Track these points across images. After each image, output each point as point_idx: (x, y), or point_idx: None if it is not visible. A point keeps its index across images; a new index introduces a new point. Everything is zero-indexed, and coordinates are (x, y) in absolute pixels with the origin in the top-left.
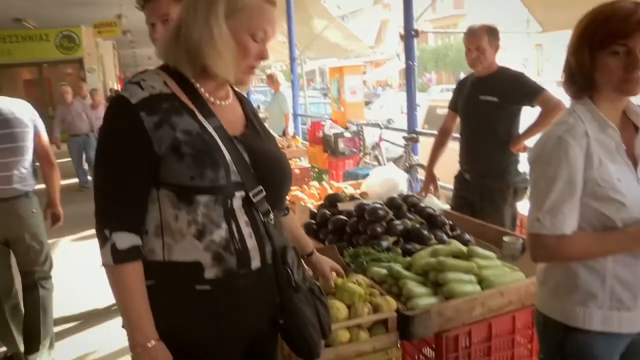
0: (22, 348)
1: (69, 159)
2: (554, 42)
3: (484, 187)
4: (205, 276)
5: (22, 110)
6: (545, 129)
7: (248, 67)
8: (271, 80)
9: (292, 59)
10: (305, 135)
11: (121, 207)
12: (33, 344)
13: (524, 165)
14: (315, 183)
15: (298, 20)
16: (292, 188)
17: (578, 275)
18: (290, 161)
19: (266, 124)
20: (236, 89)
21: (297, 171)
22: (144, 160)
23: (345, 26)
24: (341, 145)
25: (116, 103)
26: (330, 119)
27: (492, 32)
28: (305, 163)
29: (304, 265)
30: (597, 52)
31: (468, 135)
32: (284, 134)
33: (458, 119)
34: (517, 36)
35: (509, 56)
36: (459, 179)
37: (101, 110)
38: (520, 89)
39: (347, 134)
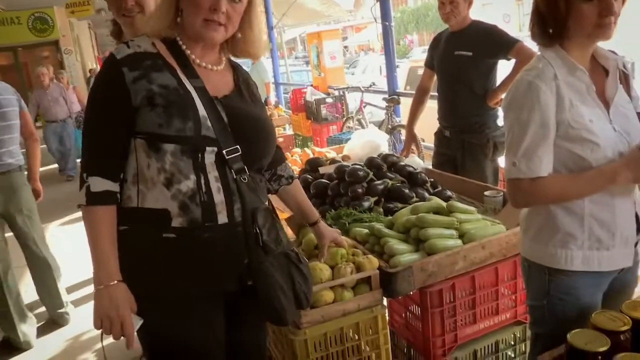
0: (21, 330)
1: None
2: None
3: (464, 142)
4: (172, 224)
5: (9, 91)
6: None
7: (203, 22)
8: None
9: (269, 27)
10: (288, 104)
11: (98, 153)
12: (57, 301)
13: (502, 119)
14: (297, 150)
15: None
16: None
17: (557, 217)
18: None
19: None
20: (231, 58)
21: (280, 139)
22: (121, 111)
23: None
24: (323, 111)
25: (106, 59)
26: (312, 86)
27: None
28: (289, 131)
29: (281, 228)
30: None
31: (445, 92)
32: (266, 103)
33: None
34: None
35: (490, 12)
36: (439, 135)
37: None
38: (494, 42)
39: (329, 100)
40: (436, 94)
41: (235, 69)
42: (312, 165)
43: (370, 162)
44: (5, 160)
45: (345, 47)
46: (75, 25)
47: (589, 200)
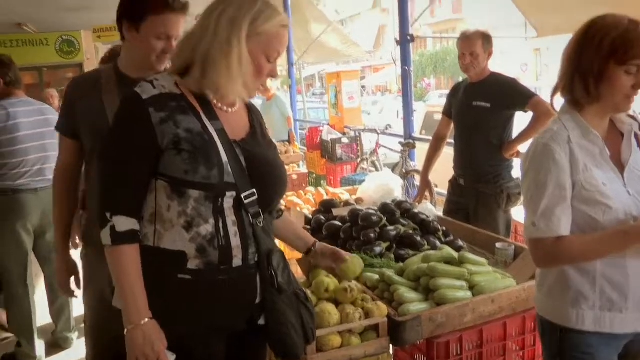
0: (37, 346)
1: None
2: (552, 47)
3: (478, 192)
4: (187, 266)
5: (52, 112)
6: (536, 134)
7: (259, 85)
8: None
9: (290, 64)
10: (304, 141)
11: (123, 192)
12: (67, 323)
13: (517, 171)
14: (311, 189)
15: (295, 25)
16: (289, 193)
17: (569, 276)
18: (288, 167)
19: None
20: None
21: (294, 177)
22: (147, 151)
23: (343, 31)
24: (339, 151)
25: (129, 98)
26: (328, 125)
27: (485, 38)
28: (303, 169)
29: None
30: (611, 65)
31: (462, 141)
32: (290, 136)
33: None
34: (516, 40)
35: (508, 61)
36: (454, 183)
37: None
38: (512, 94)
39: (345, 140)
40: (452, 141)
41: (250, 109)
42: (326, 206)
43: (384, 208)
44: (48, 175)
45: (363, 87)
46: (100, 49)
47: (601, 261)
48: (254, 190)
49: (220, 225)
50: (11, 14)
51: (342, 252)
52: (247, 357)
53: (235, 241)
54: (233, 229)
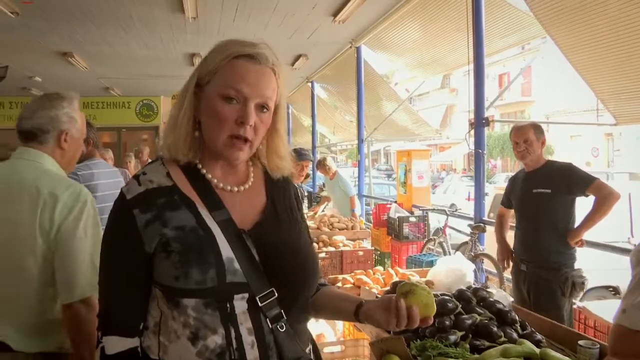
0: None
1: None
2: (624, 132)
3: (540, 278)
4: None
5: (126, 175)
6: (601, 219)
7: (229, 138)
8: (322, 166)
9: (360, 140)
10: (369, 217)
11: (114, 308)
12: None
13: (580, 261)
14: (380, 268)
15: (368, 102)
16: (357, 271)
17: None
18: (354, 242)
19: (331, 206)
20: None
21: (360, 253)
22: (135, 260)
23: (413, 109)
24: (405, 229)
25: (118, 197)
26: (396, 202)
27: (537, 128)
28: (368, 245)
29: None
30: None
31: (524, 228)
32: (352, 215)
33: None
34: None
35: (579, 145)
36: (515, 269)
37: None
38: (571, 178)
39: (412, 219)
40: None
41: (268, 181)
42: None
43: (460, 295)
44: None
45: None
46: None
47: None
48: (273, 289)
49: (233, 335)
50: (101, 80)
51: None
52: None
53: (253, 353)
54: (249, 339)
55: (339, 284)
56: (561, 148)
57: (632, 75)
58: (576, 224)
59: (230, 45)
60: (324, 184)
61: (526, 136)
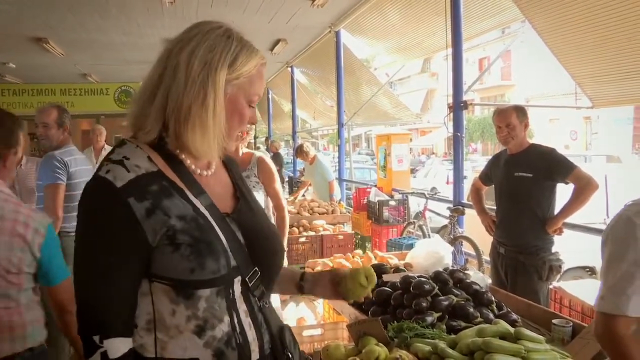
0: None
1: None
2: (602, 116)
3: (518, 262)
4: None
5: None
6: (579, 208)
7: (240, 134)
8: (301, 152)
9: (340, 124)
10: (350, 201)
11: (113, 309)
12: None
13: (558, 245)
14: (359, 251)
15: (347, 87)
16: (336, 255)
17: None
18: (334, 226)
19: (311, 191)
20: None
21: (340, 237)
22: (136, 253)
23: (393, 94)
24: (385, 213)
25: (98, 186)
26: (376, 186)
27: (519, 110)
28: (348, 229)
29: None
30: None
31: (504, 211)
32: (330, 200)
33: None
34: (565, 107)
35: (557, 128)
36: (493, 252)
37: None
38: (554, 164)
39: (392, 202)
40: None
41: (227, 164)
42: (376, 271)
43: (437, 276)
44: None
45: (410, 149)
46: None
47: None
48: (256, 269)
49: (235, 320)
50: (79, 66)
51: (340, 270)
52: None
53: (251, 334)
54: (247, 321)
55: (318, 268)
56: (540, 131)
57: (607, 58)
58: (556, 210)
59: (256, 51)
60: (304, 169)
61: (509, 120)
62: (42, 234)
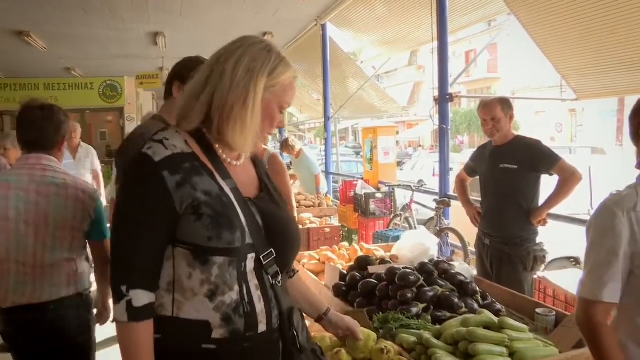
0: None
1: None
2: (587, 108)
3: (503, 253)
4: (212, 335)
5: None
6: (563, 199)
7: (267, 135)
8: (286, 146)
9: (326, 117)
10: (337, 194)
11: (141, 264)
12: None
13: (542, 236)
14: (345, 244)
15: (333, 80)
16: (323, 247)
17: (624, 346)
18: (321, 219)
19: (297, 185)
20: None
21: (327, 230)
22: (165, 219)
23: (380, 87)
24: (372, 205)
25: (140, 160)
26: (362, 179)
27: (504, 103)
28: (335, 222)
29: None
30: None
31: (489, 203)
32: (317, 193)
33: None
34: (551, 100)
35: (543, 120)
36: (478, 243)
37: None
38: (538, 156)
39: (379, 195)
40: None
41: (255, 161)
42: (361, 263)
43: (422, 268)
44: None
45: (397, 142)
46: (141, 96)
47: None
48: (272, 250)
49: (245, 291)
50: (62, 60)
51: (358, 330)
52: None
53: (260, 306)
54: (257, 294)
55: (305, 261)
56: (526, 124)
57: (591, 51)
58: (540, 201)
59: (290, 66)
60: (290, 163)
61: (494, 113)
62: (94, 199)
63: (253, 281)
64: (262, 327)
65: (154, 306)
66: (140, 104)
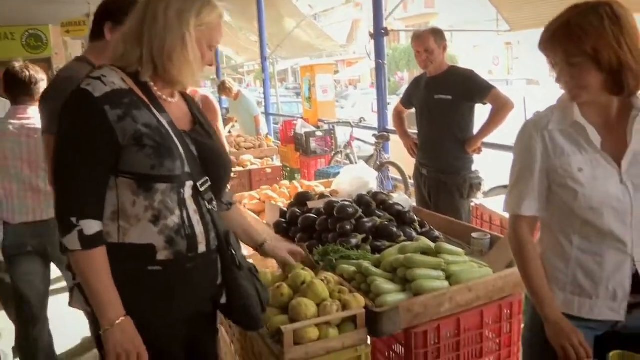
0: None
1: None
2: (522, 41)
3: (440, 182)
4: (157, 257)
5: None
6: (496, 127)
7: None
8: (224, 89)
9: (263, 58)
10: (277, 135)
11: (87, 195)
12: None
13: (477, 164)
14: (286, 182)
15: (269, 20)
16: (264, 187)
17: (546, 256)
18: (262, 160)
19: (237, 128)
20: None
21: (268, 170)
22: (108, 151)
23: (317, 25)
24: (313, 144)
25: (79, 96)
26: (302, 118)
27: (437, 33)
28: (277, 162)
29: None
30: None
31: (425, 133)
32: (257, 134)
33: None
34: (488, 35)
35: (480, 54)
36: (415, 173)
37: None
38: (471, 86)
39: (319, 133)
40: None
41: (187, 99)
42: (301, 199)
43: (360, 199)
44: None
45: (336, 80)
46: (69, 45)
47: (577, 247)
48: (207, 178)
49: (185, 215)
50: None
51: (291, 259)
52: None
53: (199, 228)
54: (195, 217)
55: (245, 201)
56: (465, 58)
57: None
58: (475, 130)
59: (217, 7)
60: (226, 110)
61: (427, 45)
62: None
63: (192, 207)
64: (202, 248)
65: (102, 234)
66: (69, 54)
